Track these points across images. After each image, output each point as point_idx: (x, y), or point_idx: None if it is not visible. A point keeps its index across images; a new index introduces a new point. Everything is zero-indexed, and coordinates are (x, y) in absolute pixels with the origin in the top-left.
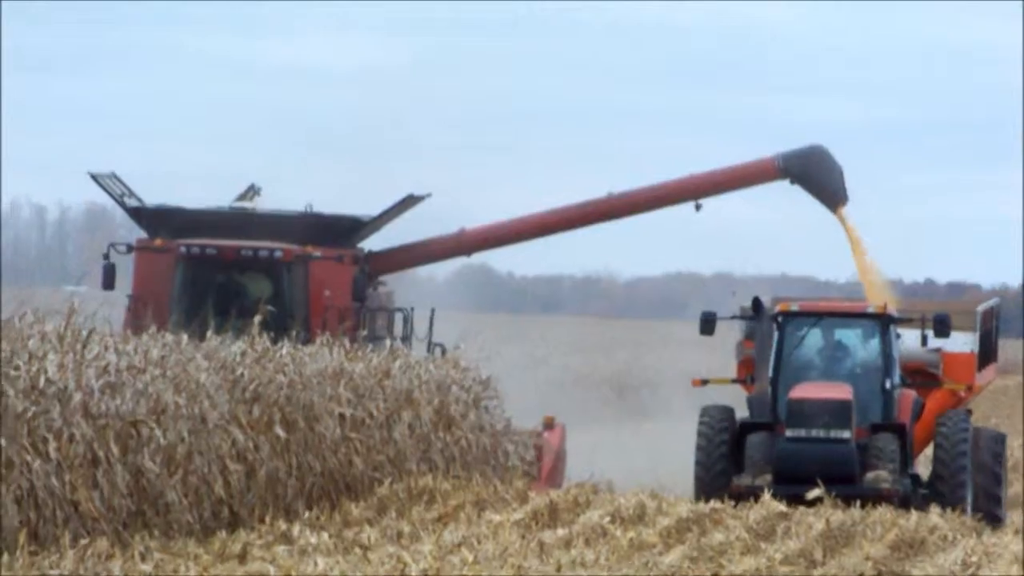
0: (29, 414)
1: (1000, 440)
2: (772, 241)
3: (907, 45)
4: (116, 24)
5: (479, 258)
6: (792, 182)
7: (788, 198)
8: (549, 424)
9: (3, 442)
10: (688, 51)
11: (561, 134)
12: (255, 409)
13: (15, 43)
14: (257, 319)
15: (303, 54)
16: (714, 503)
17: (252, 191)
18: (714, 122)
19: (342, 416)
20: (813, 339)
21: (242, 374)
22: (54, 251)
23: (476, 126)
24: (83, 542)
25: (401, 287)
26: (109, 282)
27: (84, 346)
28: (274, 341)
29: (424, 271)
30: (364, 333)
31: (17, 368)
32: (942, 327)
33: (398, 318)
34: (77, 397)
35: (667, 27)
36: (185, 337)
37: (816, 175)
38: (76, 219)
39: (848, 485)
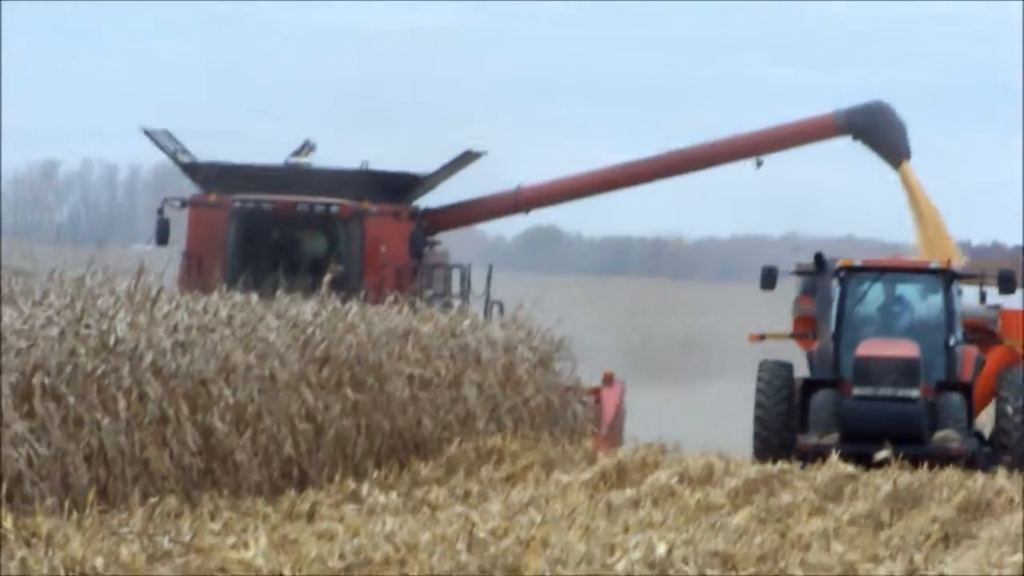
0: (99, 372)
1: None
2: (840, 202)
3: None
4: None
5: (547, 219)
6: (854, 138)
7: (855, 158)
8: (609, 380)
9: (73, 400)
10: (731, 26)
11: (609, 101)
12: (325, 369)
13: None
14: (327, 278)
15: (360, 19)
16: (781, 464)
17: (307, 147)
18: (762, 93)
19: (411, 376)
20: (875, 295)
21: (313, 333)
22: (124, 210)
23: (526, 93)
24: (152, 501)
25: (469, 246)
26: (163, 237)
27: (154, 305)
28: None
29: (492, 232)
30: (431, 292)
31: (88, 327)
32: (1007, 283)
33: (456, 275)
34: (147, 356)
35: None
36: (255, 296)
37: (878, 130)
38: (146, 178)
39: (916, 445)
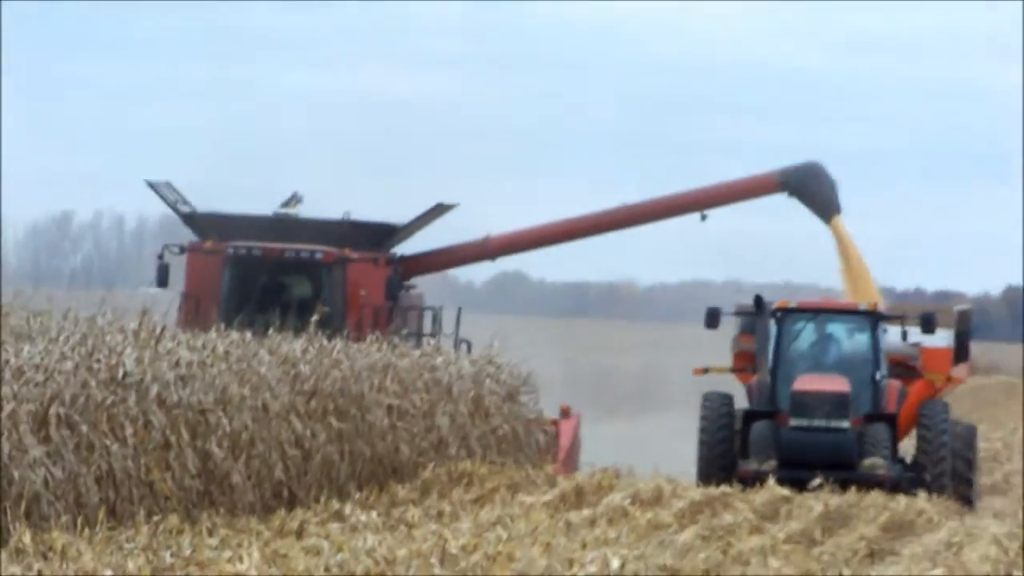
0: (109, 403)
1: (972, 431)
2: (778, 252)
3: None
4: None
5: (513, 266)
6: (790, 195)
7: (792, 211)
8: (565, 413)
9: (85, 428)
10: (689, 84)
11: (575, 158)
12: (312, 400)
13: (97, 71)
14: (314, 318)
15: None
16: (724, 488)
17: (295, 199)
18: (714, 148)
19: (389, 407)
20: (809, 334)
21: (302, 368)
22: (132, 257)
23: (501, 146)
24: (156, 519)
25: (441, 291)
26: (163, 280)
27: (158, 342)
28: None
29: (464, 277)
30: (406, 331)
31: (99, 361)
32: (928, 324)
33: (428, 316)
34: (152, 388)
35: (668, 64)
36: (249, 334)
37: (812, 188)
38: (152, 228)
39: (847, 471)
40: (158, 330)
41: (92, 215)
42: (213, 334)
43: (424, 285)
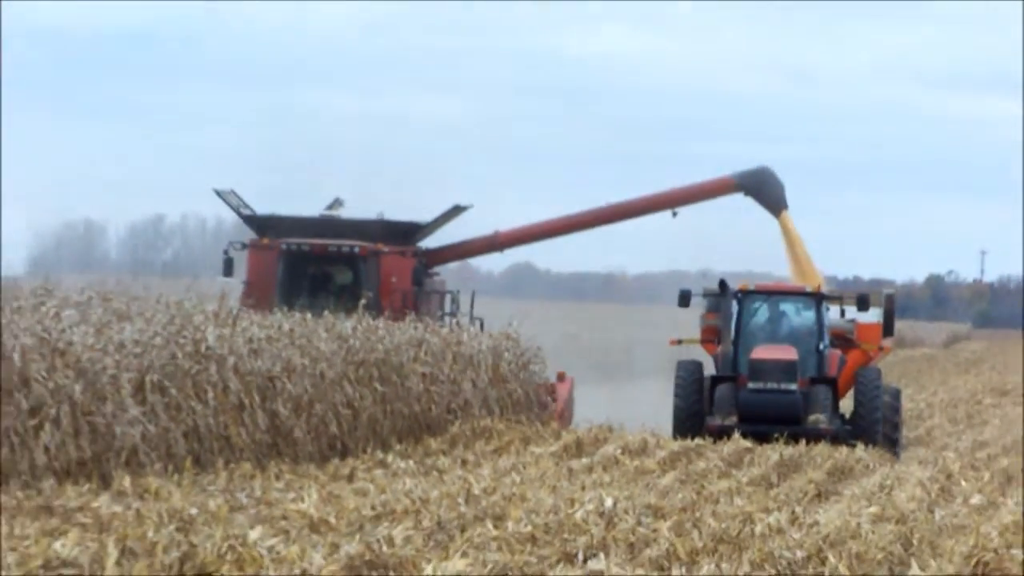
0: (194, 371)
1: (898, 393)
2: (741, 245)
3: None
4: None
5: (524, 258)
6: (745, 194)
7: (749, 210)
8: (561, 377)
9: (174, 392)
10: (663, 108)
11: (568, 168)
12: (360, 369)
13: (167, 99)
14: (362, 302)
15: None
16: (697, 440)
17: (337, 203)
18: (684, 160)
19: (423, 374)
20: (764, 312)
21: (352, 343)
22: (212, 252)
23: (507, 164)
24: (232, 466)
25: (464, 279)
26: (228, 271)
27: (234, 322)
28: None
29: (484, 268)
30: (440, 312)
31: (185, 337)
32: (862, 304)
33: (448, 299)
34: (229, 359)
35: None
36: (309, 315)
37: (763, 188)
38: (228, 228)
39: (796, 426)
40: (234, 312)
41: (180, 217)
42: (279, 315)
43: (450, 275)
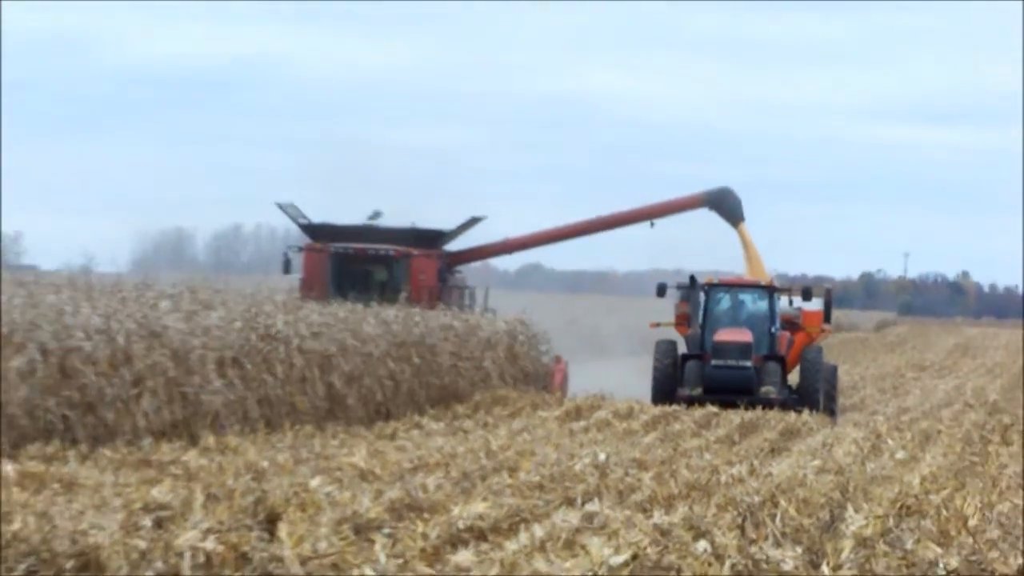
0: (265, 351)
1: (835, 368)
2: (710, 249)
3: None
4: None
5: (534, 259)
6: (710, 208)
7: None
8: (558, 360)
9: (249, 367)
10: (637, 137)
11: (556, 188)
12: (401, 348)
13: (242, 130)
14: (403, 295)
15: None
16: (674, 407)
17: (376, 214)
18: (654, 181)
19: (452, 352)
20: (726, 301)
21: (394, 328)
22: (280, 254)
23: (516, 183)
24: (296, 428)
25: (484, 276)
26: (287, 270)
27: (298, 310)
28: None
29: (501, 268)
30: (467, 304)
31: (258, 322)
32: (807, 295)
33: (466, 294)
34: (294, 340)
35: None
36: (360, 305)
37: (724, 203)
38: (295, 235)
39: (750, 395)
40: (299, 302)
41: (255, 226)
42: (335, 305)
43: (474, 272)
